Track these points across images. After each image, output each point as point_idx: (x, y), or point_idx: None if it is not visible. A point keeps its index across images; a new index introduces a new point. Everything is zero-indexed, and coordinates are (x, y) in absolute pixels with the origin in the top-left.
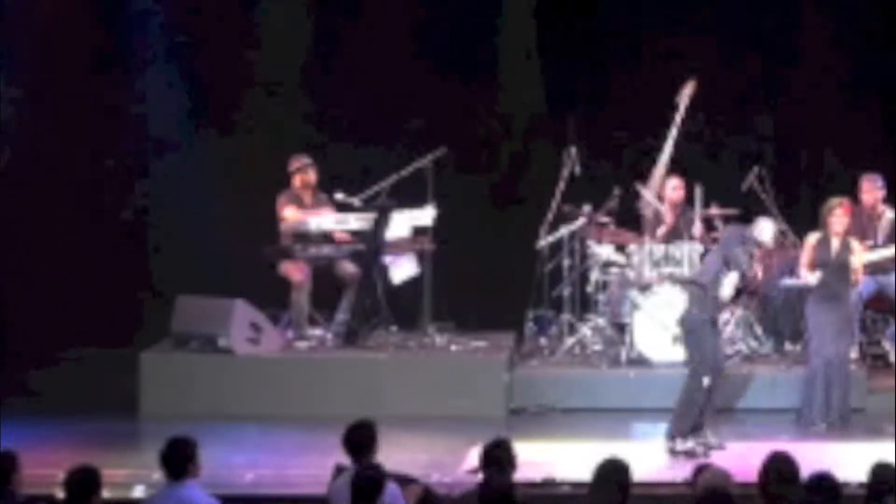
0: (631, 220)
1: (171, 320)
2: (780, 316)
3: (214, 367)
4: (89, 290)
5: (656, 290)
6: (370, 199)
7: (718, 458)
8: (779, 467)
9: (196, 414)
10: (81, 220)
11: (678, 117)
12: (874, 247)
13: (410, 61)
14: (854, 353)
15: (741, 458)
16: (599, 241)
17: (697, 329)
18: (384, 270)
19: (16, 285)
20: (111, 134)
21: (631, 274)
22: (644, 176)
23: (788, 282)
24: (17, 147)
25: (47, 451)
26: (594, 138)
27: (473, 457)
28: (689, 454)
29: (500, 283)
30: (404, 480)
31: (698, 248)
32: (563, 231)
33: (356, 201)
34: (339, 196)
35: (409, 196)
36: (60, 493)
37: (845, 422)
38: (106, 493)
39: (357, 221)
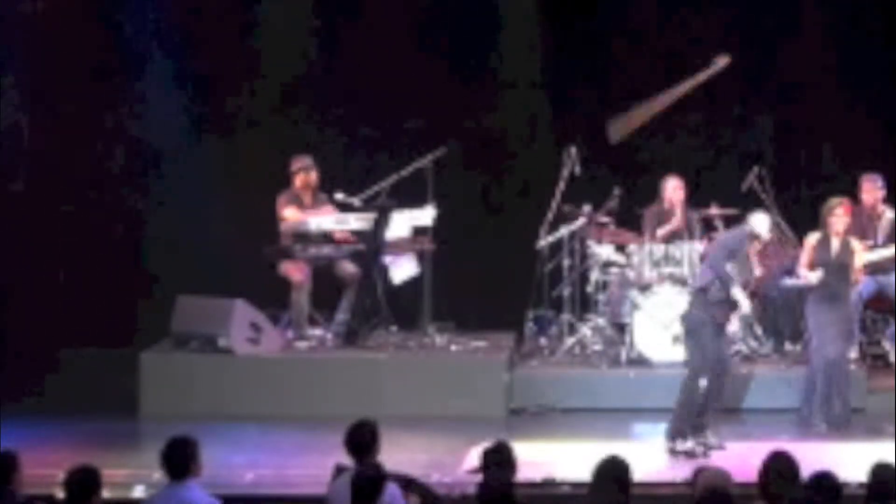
0: (631, 220)
1: (171, 320)
2: (780, 316)
3: (214, 367)
4: (89, 290)
5: (656, 290)
6: (370, 199)
7: (718, 458)
8: (779, 467)
9: (196, 414)
10: (81, 220)
11: (693, 81)
12: (874, 247)
13: (410, 61)
14: (854, 353)
15: (741, 458)
16: (599, 241)
17: (697, 329)
18: (384, 270)
19: (16, 286)
20: (111, 134)
21: (631, 274)
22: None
23: (788, 282)
24: (18, 147)
25: (47, 451)
26: (594, 138)
27: (473, 457)
28: (689, 454)
29: (500, 283)
30: (405, 481)
31: (698, 247)
32: (563, 231)
33: (356, 201)
34: (339, 196)
35: (409, 196)
36: (60, 493)
37: (845, 422)
38: (106, 493)
39: (357, 221)
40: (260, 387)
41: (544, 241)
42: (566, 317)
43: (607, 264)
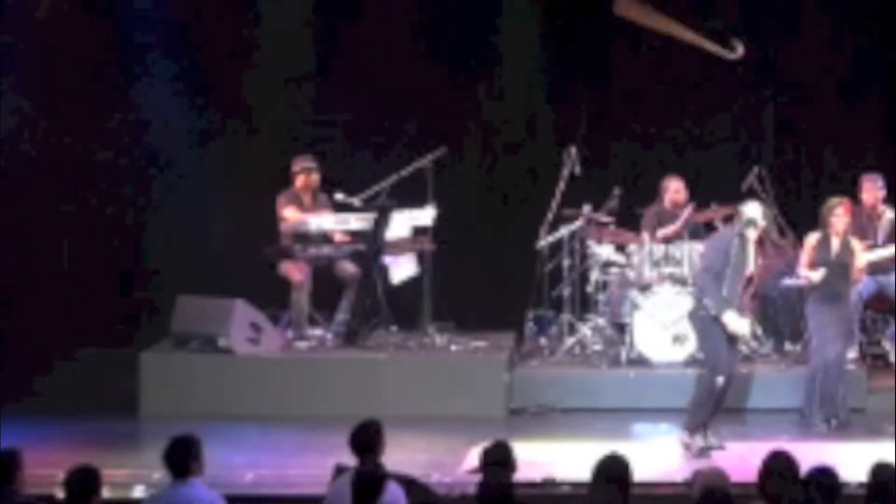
0: (631, 220)
1: (171, 320)
2: (780, 316)
3: (214, 367)
4: (89, 290)
5: (656, 290)
6: (370, 199)
7: (718, 458)
8: (779, 467)
9: (196, 414)
10: (82, 220)
11: (700, 40)
12: (874, 247)
13: (410, 62)
14: (854, 353)
15: (741, 458)
16: (599, 242)
17: (706, 329)
18: (384, 270)
19: (16, 286)
20: (111, 134)
21: (631, 274)
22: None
23: (788, 282)
24: (18, 147)
25: (47, 451)
26: (594, 138)
27: (473, 457)
28: (703, 451)
29: (500, 283)
30: (404, 481)
31: (698, 247)
32: (563, 231)
33: (356, 201)
34: (339, 196)
35: (409, 196)
36: (60, 493)
37: (845, 422)
38: (106, 493)
39: (357, 221)
40: (260, 387)
41: (544, 241)
42: (566, 317)
43: (607, 264)
